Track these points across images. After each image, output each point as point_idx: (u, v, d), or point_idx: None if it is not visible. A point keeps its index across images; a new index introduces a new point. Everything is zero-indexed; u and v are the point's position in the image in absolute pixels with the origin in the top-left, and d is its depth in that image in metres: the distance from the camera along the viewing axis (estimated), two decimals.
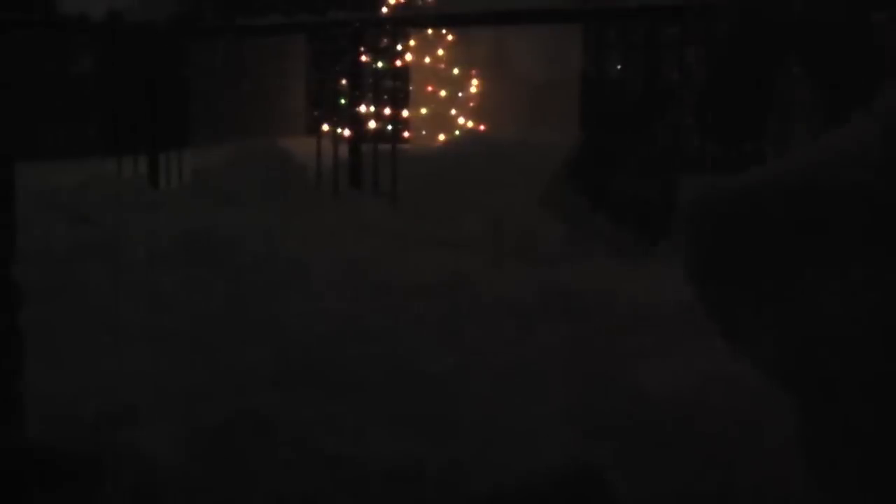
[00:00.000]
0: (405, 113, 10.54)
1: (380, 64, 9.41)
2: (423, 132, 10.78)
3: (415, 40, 10.64)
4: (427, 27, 10.10)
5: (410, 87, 10.84)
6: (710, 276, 2.04)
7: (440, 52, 10.80)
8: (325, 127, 8.65)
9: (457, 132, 10.59)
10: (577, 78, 9.80)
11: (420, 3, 10.41)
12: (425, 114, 10.82)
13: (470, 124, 10.70)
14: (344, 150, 7.20)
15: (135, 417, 2.82)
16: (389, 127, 8.36)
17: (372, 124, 8.28)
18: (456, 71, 10.80)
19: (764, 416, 2.34)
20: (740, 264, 1.98)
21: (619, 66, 7.42)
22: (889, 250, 1.79)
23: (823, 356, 1.83)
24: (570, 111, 9.70)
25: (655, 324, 3.58)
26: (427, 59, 10.82)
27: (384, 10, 10.30)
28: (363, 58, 7.75)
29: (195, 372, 3.24)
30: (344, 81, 7.86)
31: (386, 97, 9.46)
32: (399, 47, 10.13)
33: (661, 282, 3.70)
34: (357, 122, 7.45)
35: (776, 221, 1.93)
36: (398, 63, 10.07)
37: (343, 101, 8.02)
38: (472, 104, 10.83)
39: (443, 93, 10.84)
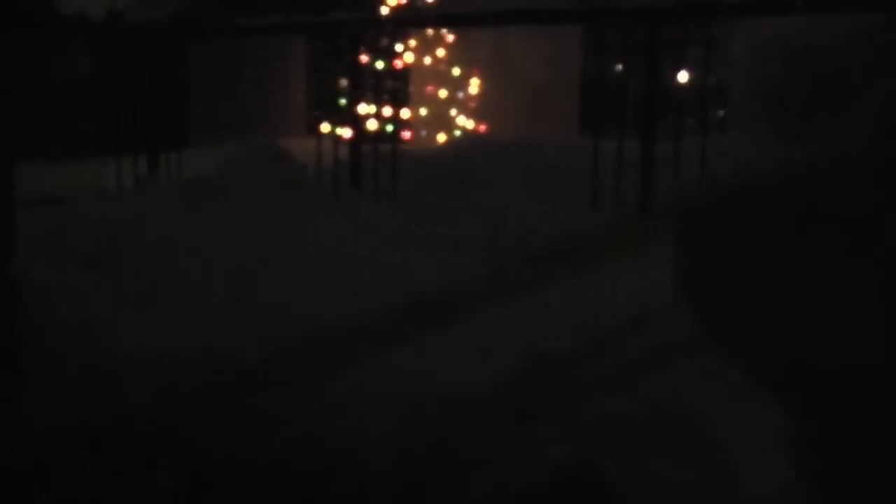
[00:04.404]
0: (405, 113, 10.54)
1: (380, 64, 9.42)
2: (423, 132, 10.78)
3: (415, 40, 10.63)
4: (427, 27, 10.09)
5: (410, 88, 10.84)
6: (702, 280, 2.04)
7: (440, 52, 10.80)
8: (325, 127, 8.66)
9: (457, 132, 10.59)
10: (577, 78, 9.82)
11: (420, 3, 10.40)
12: (425, 114, 10.82)
13: (470, 124, 10.70)
14: (344, 150, 7.20)
15: None
16: (389, 127, 8.37)
17: (372, 124, 8.28)
18: (456, 71, 10.79)
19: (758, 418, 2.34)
20: (733, 266, 1.98)
21: (619, 66, 7.44)
22: (884, 250, 1.79)
23: (819, 358, 1.83)
24: (570, 111, 9.72)
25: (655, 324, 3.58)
26: (427, 59, 10.81)
27: (384, 10, 10.29)
28: (363, 58, 7.75)
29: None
30: (344, 81, 7.86)
31: (386, 97, 9.47)
32: (399, 47, 10.13)
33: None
34: (357, 122, 7.45)
35: (769, 222, 1.93)
36: (398, 63, 10.07)
37: (343, 101, 8.02)
38: (472, 104, 10.82)
39: (443, 93, 10.84)
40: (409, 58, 10.54)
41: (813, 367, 1.86)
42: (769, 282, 1.93)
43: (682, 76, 6.81)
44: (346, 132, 7.57)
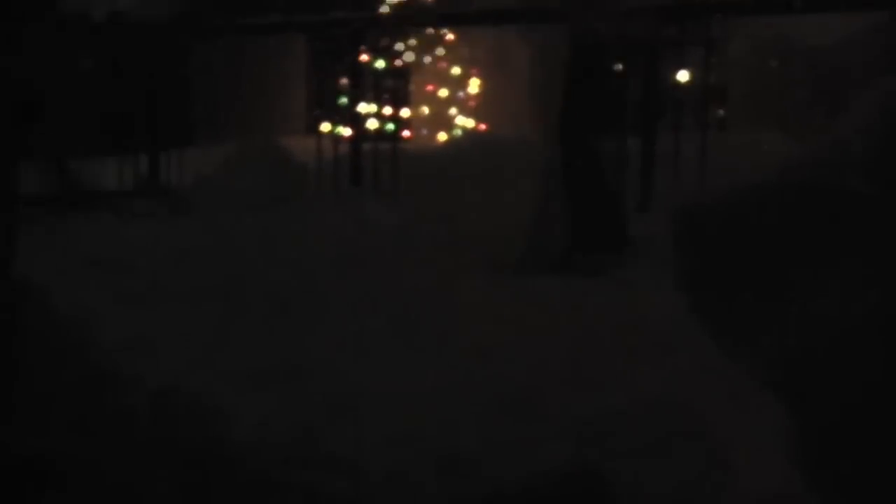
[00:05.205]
0: (405, 112, 10.54)
1: (380, 63, 9.40)
2: (424, 132, 10.78)
3: (415, 40, 10.63)
4: (427, 26, 10.09)
5: (410, 87, 10.84)
6: (704, 282, 2.04)
7: (440, 51, 10.80)
8: (326, 126, 8.65)
9: (457, 132, 10.59)
10: None
11: (420, 2, 10.40)
12: (425, 113, 10.82)
13: (470, 124, 10.70)
14: (344, 150, 7.20)
15: None
16: (390, 126, 8.36)
17: (372, 124, 8.28)
18: (456, 70, 10.80)
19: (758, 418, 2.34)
20: (734, 268, 1.98)
21: (619, 66, 7.42)
22: (883, 250, 1.79)
23: (820, 357, 1.84)
24: None
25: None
26: (427, 59, 10.81)
27: (384, 9, 10.29)
28: (363, 57, 7.75)
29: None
30: (344, 81, 7.86)
31: (386, 97, 9.46)
32: (399, 47, 10.12)
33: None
34: (357, 121, 7.45)
35: (770, 224, 1.93)
36: (398, 63, 10.07)
37: (343, 101, 8.01)
38: (472, 104, 10.82)
39: (443, 92, 10.84)
40: (409, 57, 10.53)
41: (813, 367, 1.86)
42: (769, 281, 1.93)
43: (682, 76, 6.81)
44: (346, 131, 7.57)
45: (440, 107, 10.83)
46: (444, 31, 10.52)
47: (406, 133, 10.37)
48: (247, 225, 5.46)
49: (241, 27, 8.68)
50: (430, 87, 10.83)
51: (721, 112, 8.73)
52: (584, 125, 4.96)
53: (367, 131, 7.70)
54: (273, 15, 8.27)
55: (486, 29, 9.66)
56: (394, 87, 9.31)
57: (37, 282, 3.40)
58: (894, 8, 6.58)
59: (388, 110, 9.38)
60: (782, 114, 7.75)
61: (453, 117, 10.79)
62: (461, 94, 10.83)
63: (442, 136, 10.55)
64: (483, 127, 10.58)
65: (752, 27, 8.34)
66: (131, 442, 2.64)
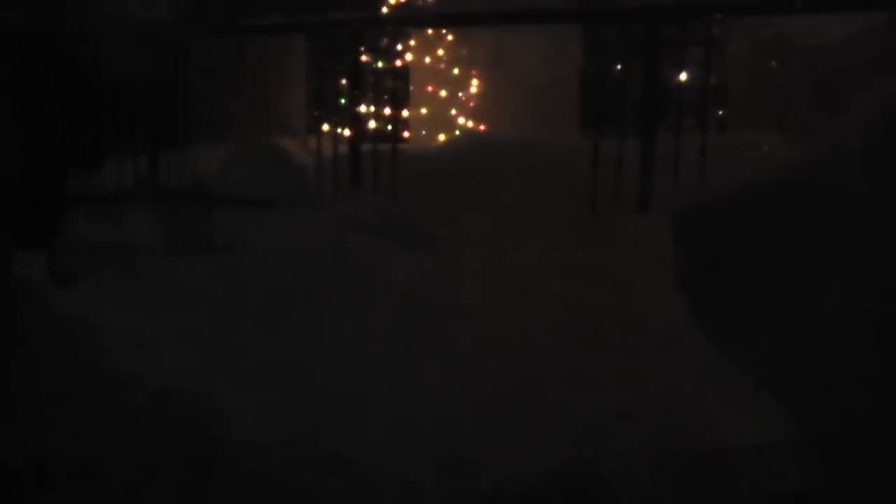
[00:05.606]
0: (405, 113, 10.54)
1: (380, 64, 9.41)
2: (423, 132, 10.78)
3: (415, 40, 10.63)
4: (427, 27, 10.09)
5: (410, 87, 10.84)
6: (704, 282, 2.04)
7: (440, 52, 10.80)
8: (325, 127, 8.66)
9: (457, 132, 10.59)
10: (578, 78, 9.82)
11: (420, 3, 10.41)
12: (425, 114, 10.82)
13: (470, 124, 10.70)
14: (344, 150, 7.21)
15: None
16: (389, 127, 8.37)
17: (372, 124, 8.29)
18: (456, 71, 10.80)
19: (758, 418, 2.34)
20: (734, 268, 1.98)
21: (619, 66, 7.44)
22: (883, 250, 1.79)
23: (820, 357, 1.84)
24: (569, 111, 9.72)
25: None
26: (427, 59, 10.82)
27: (384, 10, 10.29)
28: (363, 58, 7.75)
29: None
30: (344, 81, 7.87)
31: (386, 97, 9.47)
32: (399, 47, 10.13)
33: None
34: (357, 121, 7.46)
35: (770, 224, 1.93)
36: (398, 63, 10.08)
37: (343, 101, 8.02)
38: (472, 104, 10.83)
39: (443, 93, 10.84)
40: (409, 57, 10.54)
41: (812, 367, 1.86)
42: (768, 281, 1.93)
43: (682, 76, 6.81)
44: (346, 131, 7.58)
45: (440, 107, 10.84)
46: (444, 31, 10.53)
47: (406, 133, 10.37)
48: (247, 225, 5.46)
49: (241, 27, 8.68)
50: (430, 87, 10.83)
51: (721, 112, 8.75)
52: None
53: (366, 131, 7.70)
54: (273, 15, 8.27)
55: (486, 29, 9.66)
56: (394, 87, 9.32)
57: (37, 282, 3.40)
58: (894, 8, 6.58)
59: (387, 110, 9.39)
60: (782, 114, 7.75)
61: (453, 117, 10.80)
62: (461, 94, 10.84)
63: (442, 136, 10.56)
64: (483, 127, 10.59)
65: (752, 27, 8.35)
66: (131, 442, 2.64)
